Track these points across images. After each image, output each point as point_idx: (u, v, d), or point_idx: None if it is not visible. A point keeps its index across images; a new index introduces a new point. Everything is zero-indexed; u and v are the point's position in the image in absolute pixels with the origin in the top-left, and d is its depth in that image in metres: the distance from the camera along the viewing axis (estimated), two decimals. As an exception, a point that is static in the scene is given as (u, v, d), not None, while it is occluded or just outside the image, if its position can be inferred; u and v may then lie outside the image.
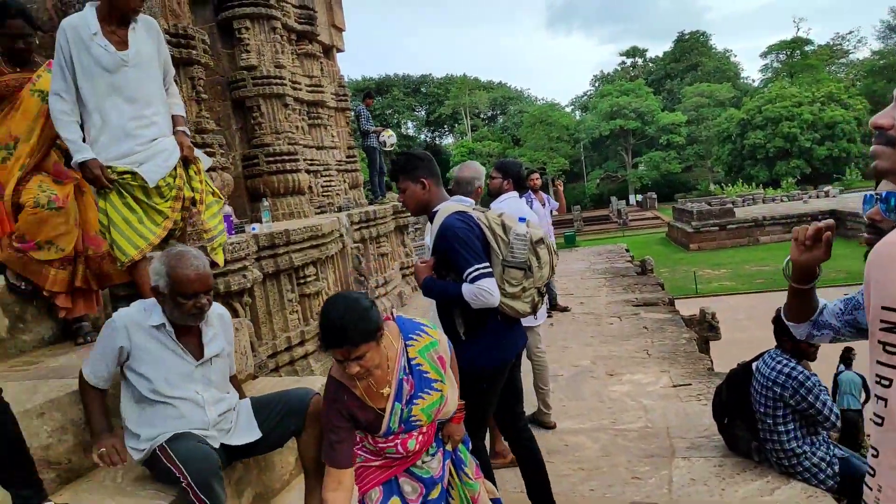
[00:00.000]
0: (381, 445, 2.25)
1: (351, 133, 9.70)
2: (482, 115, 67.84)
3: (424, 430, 2.28)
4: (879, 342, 0.85)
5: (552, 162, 54.05)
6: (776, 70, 63.63)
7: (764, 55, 67.08)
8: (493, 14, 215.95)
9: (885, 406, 0.85)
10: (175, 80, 3.31)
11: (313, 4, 7.92)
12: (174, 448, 2.24)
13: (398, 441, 2.24)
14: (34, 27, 3.27)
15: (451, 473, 2.48)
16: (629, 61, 70.87)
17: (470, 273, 2.70)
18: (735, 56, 71.37)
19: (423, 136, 69.45)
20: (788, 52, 64.23)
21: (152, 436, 2.33)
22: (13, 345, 3.30)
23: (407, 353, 2.23)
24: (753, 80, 68.01)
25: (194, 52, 5.16)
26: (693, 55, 65.42)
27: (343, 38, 9.25)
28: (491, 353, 2.87)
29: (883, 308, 0.85)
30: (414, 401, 2.21)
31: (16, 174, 3.14)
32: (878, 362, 0.86)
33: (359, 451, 2.31)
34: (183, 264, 2.31)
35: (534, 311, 2.90)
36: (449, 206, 2.90)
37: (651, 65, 70.26)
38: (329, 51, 8.90)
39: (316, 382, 3.52)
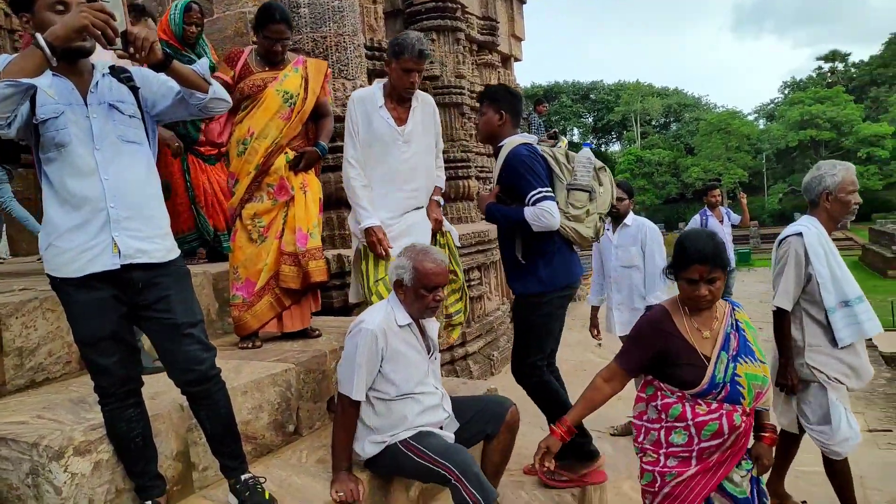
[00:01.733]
0: (701, 418, 2.12)
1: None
2: (654, 123, 65.03)
3: (748, 410, 2.16)
4: None
5: (729, 173, 50.35)
6: None
7: None
8: (673, 17, 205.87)
9: None
10: None
11: (496, 15, 8.08)
12: (426, 444, 2.35)
13: (723, 412, 2.11)
14: (292, 29, 3.36)
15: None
16: (827, 66, 64.01)
17: (533, 196, 2.86)
18: (964, 58, 61.69)
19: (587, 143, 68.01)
20: None
21: (391, 431, 2.43)
22: (220, 326, 3.73)
23: (734, 314, 2.27)
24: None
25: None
26: (908, 58, 57.55)
27: (521, 47, 9.34)
28: (553, 276, 2.97)
29: None
30: (739, 359, 2.17)
31: (250, 171, 3.19)
32: None
33: (670, 454, 2.20)
34: (428, 258, 2.42)
35: (596, 236, 3.02)
36: (515, 139, 3.06)
37: (853, 70, 62.97)
38: (507, 60, 9.03)
39: (481, 386, 3.60)
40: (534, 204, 2.85)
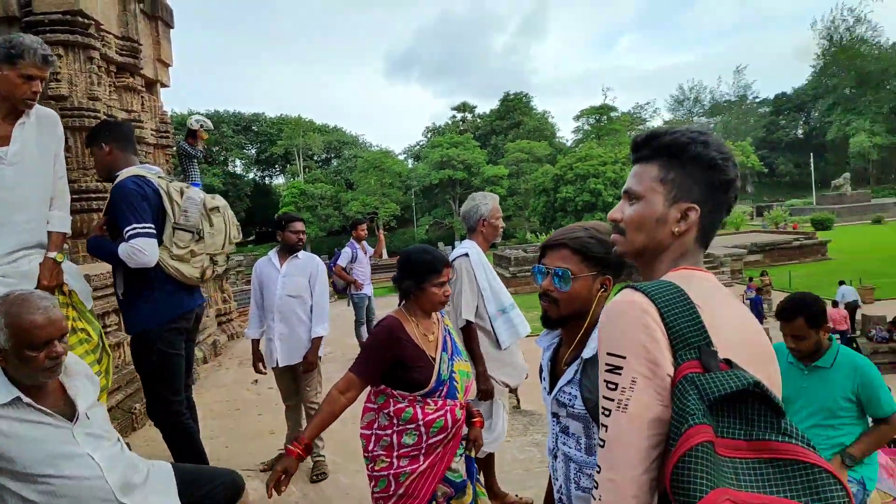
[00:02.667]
0: (430, 417, 2.34)
1: (172, 170, 9.19)
2: (316, 158, 67.48)
3: (462, 403, 2.47)
4: (604, 381, 1.10)
5: (384, 207, 55.08)
6: (586, 132, 70.96)
7: (577, 118, 74.62)
8: (332, 58, 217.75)
9: (606, 431, 1.08)
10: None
11: (139, 36, 7.51)
12: None
13: (447, 408, 2.38)
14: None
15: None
16: (459, 115, 74.89)
17: (127, 231, 2.78)
18: (553, 117, 78.56)
19: (252, 175, 67.31)
20: (597, 117, 72.08)
21: None
22: None
23: (443, 320, 2.59)
24: (567, 140, 75.14)
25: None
26: (516, 114, 70.81)
27: (169, 73, 8.83)
28: (155, 312, 2.92)
29: (608, 353, 1.10)
30: (454, 358, 2.50)
31: None
32: (604, 396, 1.10)
33: (402, 455, 2.35)
34: (27, 308, 1.91)
35: (202, 277, 3.03)
36: (130, 171, 2.96)
37: (479, 120, 74.82)
38: (153, 85, 8.44)
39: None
40: (128, 240, 2.75)
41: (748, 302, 21.92)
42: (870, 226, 48.66)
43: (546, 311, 1.69)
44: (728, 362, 1.03)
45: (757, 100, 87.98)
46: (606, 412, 1.08)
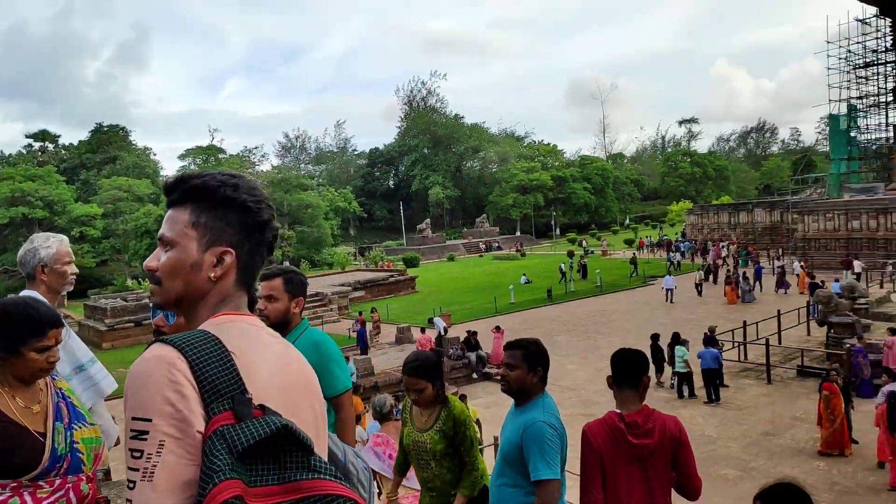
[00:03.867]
0: (46, 500, 1.91)
1: None
2: None
3: (91, 475, 2.07)
4: (129, 449, 0.99)
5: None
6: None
7: (182, 157, 71.11)
8: None
9: None
10: None
11: None
12: None
13: (69, 485, 1.96)
14: None
15: None
16: (38, 145, 64.13)
17: None
18: (155, 154, 73.46)
19: None
20: (204, 157, 69.93)
21: None
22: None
23: (55, 383, 2.17)
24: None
25: None
26: (112, 148, 64.03)
27: None
28: None
29: (133, 419, 0.99)
30: (74, 425, 2.08)
31: None
32: (129, 468, 0.99)
33: None
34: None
35: None
36: None
37: (65, 152, 65.29)
38: None
39: None
40: None
41: (355, 334, 23.76)
42: (445, 262, 58.21)
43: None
44: (262, 408, 1.02)
45: (355, 152, 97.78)
46: (131, 484, 0.97)
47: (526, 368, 2.97)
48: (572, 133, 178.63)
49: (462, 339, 20.10)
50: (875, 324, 15.87)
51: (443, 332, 21.10)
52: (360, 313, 26.27)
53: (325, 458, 1.01)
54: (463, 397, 12.78)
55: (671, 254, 42.48)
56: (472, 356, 18.87)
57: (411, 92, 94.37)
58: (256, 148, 73.86)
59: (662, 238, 53.63)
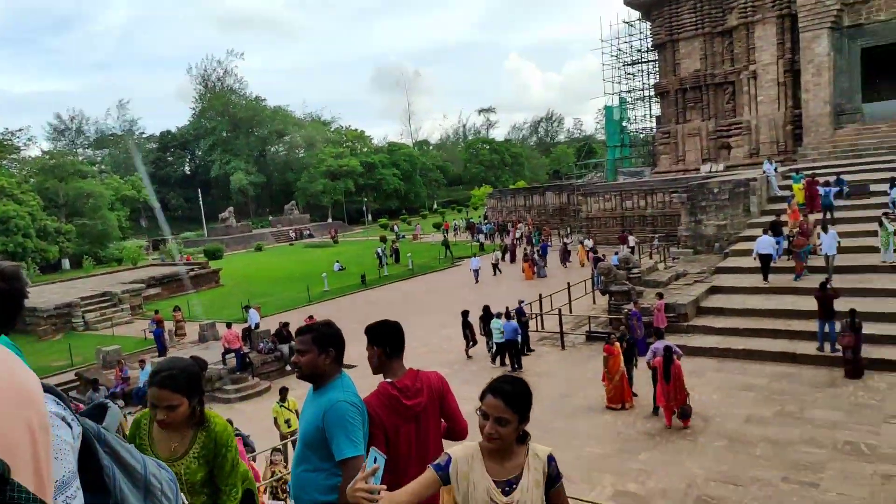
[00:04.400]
0: None
1: None
2: None
3: None
4: None
5: None
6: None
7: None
8: None
9: None
10: None
11: None
12: None
13: None
14: None
15: None
16: None
17: None
18: None
19: None
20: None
21: None
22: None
23: None
24: None
25: None
26: None
27: None
28: None
29: None
30: None
31: None
32: None
33: None
34: None
35: None
36: None
37: None
38: None
39: None
40: None
41: (152, 335, 21.75)
42: (253, 253, 55.63)
43: None
44: None
45: (144, 135, 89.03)
46: None
47: (317, 351, 2.94)
48: (380, 119, 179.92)
49: (273, 331, 19.37)
50: (646, 290, 18.12)
51: (253, 327, 20.16)
52: (157, 312, 24.12)
53: (53, 479, 0.90)
54: (284, 390, 12.33)
55: (476, 235, 44.88)
56: (285, 348, 18.27)
57: (206, 71, 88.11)
58: (21, 130, 63.68)
59: (468, 221, 56.36)
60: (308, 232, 65.36)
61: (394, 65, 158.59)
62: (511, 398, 2.40)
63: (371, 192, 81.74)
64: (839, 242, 16.78)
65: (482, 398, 2.44)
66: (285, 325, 19.19)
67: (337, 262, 38.87)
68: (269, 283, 35.02)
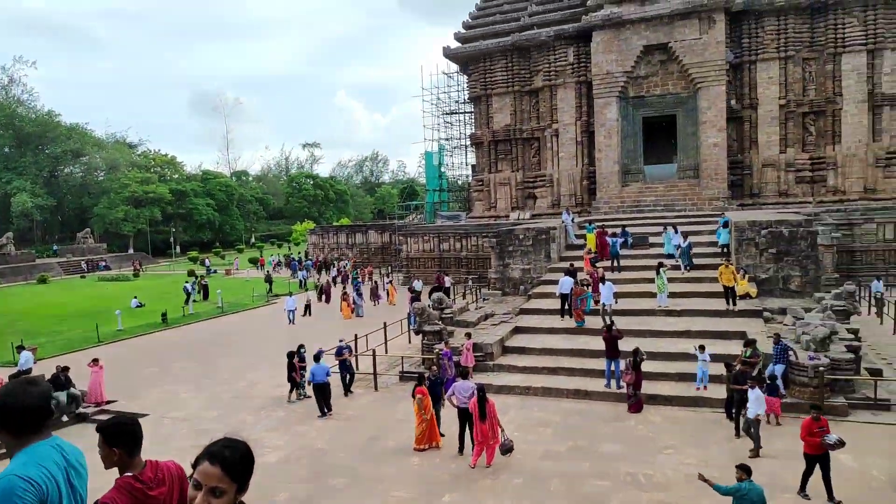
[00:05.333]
0: None
1: None
2: None
3: None
4: None
5: None
6: None
7: None
8: None
9: None
10: None
11: None
12: None
13: None
14: None
15: None
16: None
17: None
18: None
19: None
20: None
21: None
22: None
23: None
24: None
25: None
26: None
27: None
28: None
29: None
30: None
31: None
32: None
33: None
34: None
35: None
36: None
37: None
38: None
39: None
40: None
41: None
42: (35, 285, 48.81)
43: None
44: None
45: None
46: None
47: None
48: (195, 145, 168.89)
49: (48, 376, 16.94)
50: (457, 330, 18.73)
51: (23, 371, 17.48)
52: None
53: None
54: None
55: (299, 272, 43.62)
56: (62, 396, 16.04)
57: (-14, 77, 77.22)
58: None
59: (289, 257, 54.67)
60: (104, 263, 59.01)
61: (213, 90, 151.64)
62: (230, 465, 2.14)
63: (181, 222, 76.33)
64: (614, 294, 18.84)
65: (195, 465, 2.17)
66: (64, 369, 16.88)
67: (135, 297, 35.40)
68: (51, 321, 30.84)
